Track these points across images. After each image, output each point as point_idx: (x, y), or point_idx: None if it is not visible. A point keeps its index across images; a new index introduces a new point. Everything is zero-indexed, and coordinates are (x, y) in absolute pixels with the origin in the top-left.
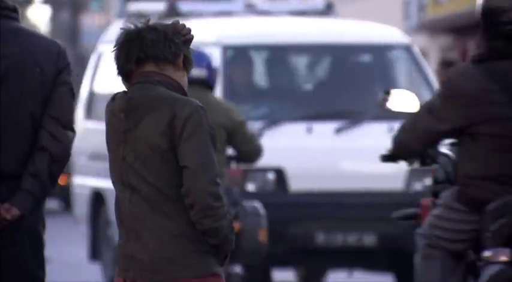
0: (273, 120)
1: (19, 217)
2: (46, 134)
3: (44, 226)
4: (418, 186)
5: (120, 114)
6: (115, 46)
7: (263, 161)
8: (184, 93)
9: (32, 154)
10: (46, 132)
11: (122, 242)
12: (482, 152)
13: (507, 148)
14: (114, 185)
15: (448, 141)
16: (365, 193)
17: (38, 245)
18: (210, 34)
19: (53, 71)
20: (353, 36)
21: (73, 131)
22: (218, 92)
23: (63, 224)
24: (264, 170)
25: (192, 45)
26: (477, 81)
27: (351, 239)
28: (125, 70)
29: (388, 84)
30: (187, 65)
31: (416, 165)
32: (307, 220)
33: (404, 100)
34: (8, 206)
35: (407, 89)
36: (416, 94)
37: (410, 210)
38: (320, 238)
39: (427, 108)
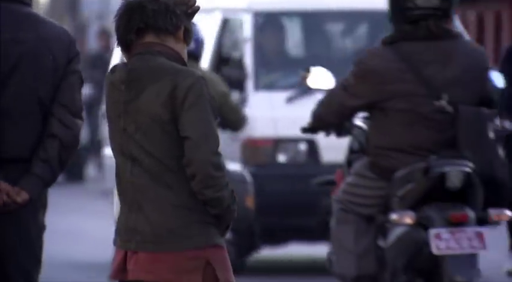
0: (304, 89)
1: (28, 201)
2: (56, 122)
3: (45, 208)
4: None
5: (121, 85)
6: (115, 16)
7: (295, 131)
8: (185, 64)
9: (42, 140)
10: (56, 119)
11: (123, 214)
12: (391, 125)
13: (413, 121)
14: (114, 156)
15: (362, 114)
16: None
17: (39, 228)
18: (241, 0)
19: (65, 59)
20: None
21: (81, 119)
22: (248, 59)
23: (66, 196)
24: (296, 141)
25: (223, 11)
26: (387, 61)
27: None
28: (125, 40)
29: None
30: (187, 37)
31: (333, 136)
32: None
33: (322, 78)
34: (18, 189)
35: None
36: None
37: (329, 177)
38: None
39: (341, 86)
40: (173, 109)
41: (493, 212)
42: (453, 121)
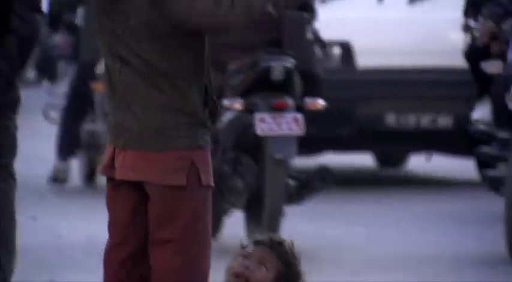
0: None
1: None
2: (15, 18)
3: (15, 105)
4: None
5: None
6: None
7: (328, 34)
8: None
9: (1, 36)
10: (16, 15)
11: (112, 111)
12: None
13: None
14: (103, 54)
15: None
16: (440, 70)
17: (8, 121)
18: None
19: None
20: None
21: (41, 13)
22: None
23: (37, 95)
24: (329, 44)
25: None
26: None
27: (425, 120)
28: None
29: None
30: None
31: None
32: (377, 99)
33: None
34: None
35: None
36: None
37: None
38: (391, 119)
39: None
40: (161, 6)
41: (308, 101)
42: (279, 24)
